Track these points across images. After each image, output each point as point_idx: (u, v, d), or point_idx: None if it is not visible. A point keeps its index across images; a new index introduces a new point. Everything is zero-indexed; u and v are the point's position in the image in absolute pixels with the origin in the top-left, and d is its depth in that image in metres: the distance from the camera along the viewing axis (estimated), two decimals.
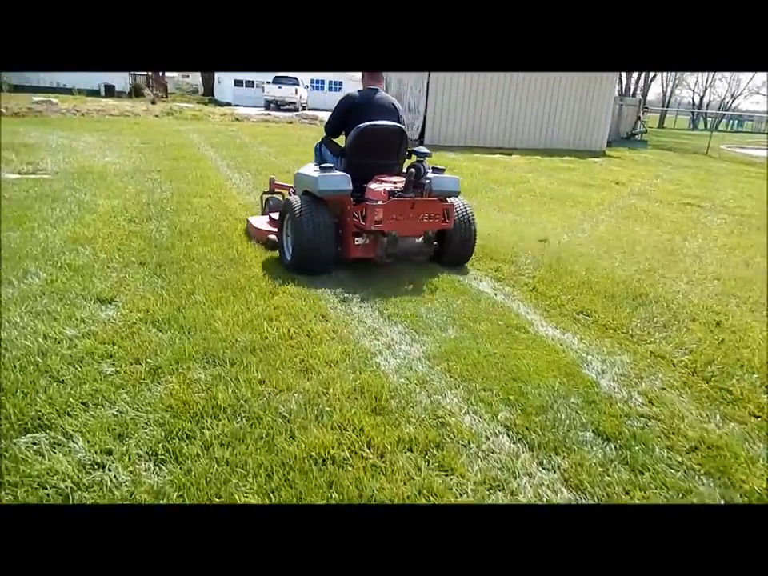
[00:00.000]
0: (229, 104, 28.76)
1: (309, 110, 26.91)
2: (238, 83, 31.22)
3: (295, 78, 27.93)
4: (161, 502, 1.76)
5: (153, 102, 22.52)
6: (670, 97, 52.49)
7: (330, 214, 3.88)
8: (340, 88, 32.13)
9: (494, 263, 4.47)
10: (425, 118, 14.64)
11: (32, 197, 5.66)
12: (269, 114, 21.32)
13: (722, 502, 1.94)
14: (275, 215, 4.43)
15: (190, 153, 9.78)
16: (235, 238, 4.59)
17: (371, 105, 4.21)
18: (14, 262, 3.68)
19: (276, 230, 4.25)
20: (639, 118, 20.54)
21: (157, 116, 17.35)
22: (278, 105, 26.75)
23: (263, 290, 3.49)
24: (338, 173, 3.91)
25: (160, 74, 36.62)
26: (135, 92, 27.24)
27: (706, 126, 53.15)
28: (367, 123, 4.02)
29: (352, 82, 34.26)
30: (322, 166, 3.96)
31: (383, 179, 4.04)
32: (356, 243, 3.96)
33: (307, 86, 30.43)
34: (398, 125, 4.19)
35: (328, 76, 32.07)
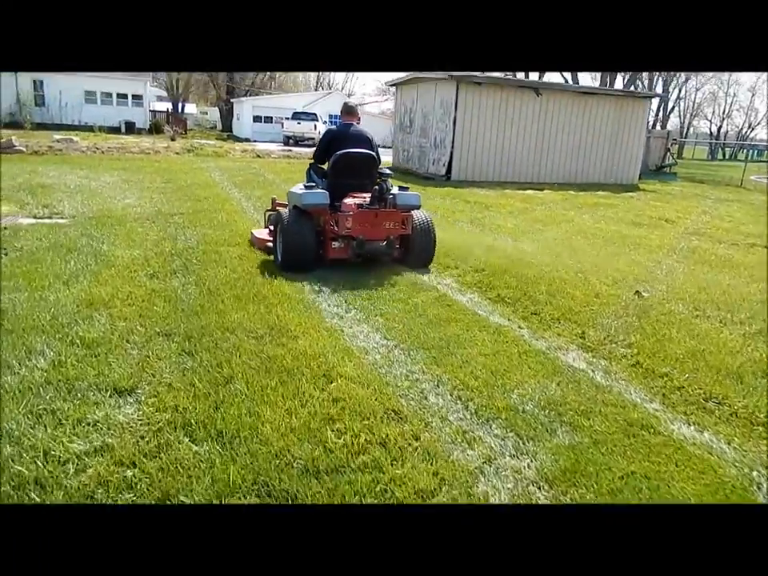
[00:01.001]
0: (248, 139, 28.77)
1: None
2: (256, 119, 31.32)
3: (314, 114, 27.92)
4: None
5: (172, 139, 22.46)
6: (688, 128, 52.09)
7: (313, 223, 4.76)
8: (358, 123, 32.04)
9: (576, 327, 3.80)
10: (451, 152, 14.17)
11: (45, 247, 5.13)
12: (290, 150, 21.08)
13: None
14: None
15: (213, 193, 9.31)
16: (273, 298, 3.97)
17: (347, 136, 5.12)
18: (17, 336, 3.09)
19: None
20: (668, 149, 19.98)
21: (177, 153, 17.12)
22: (297, 140, 26.65)
23: (315, 372, 2.85)
24: (319, 190, 4.83)
25: (179, 110, 37.14)
26: (155, 129, 27.37)
27: (724, 156, 52.58)
28: (343, 151, 4.95)
29: (370, 117, 34.34)
30: (306, 185, 4.94)
31: (356, 195, 4.93)
32: (333, 246, 4.83)
33: (326, 122, 30.41)
34: (369, 152, 5.07)
35: None
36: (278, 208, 5.51)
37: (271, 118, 31.12)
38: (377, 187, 4.85)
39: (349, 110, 5.44)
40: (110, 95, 28.15)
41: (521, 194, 12.25)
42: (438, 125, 14.65)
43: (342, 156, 4.93)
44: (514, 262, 5.43)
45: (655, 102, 37.74)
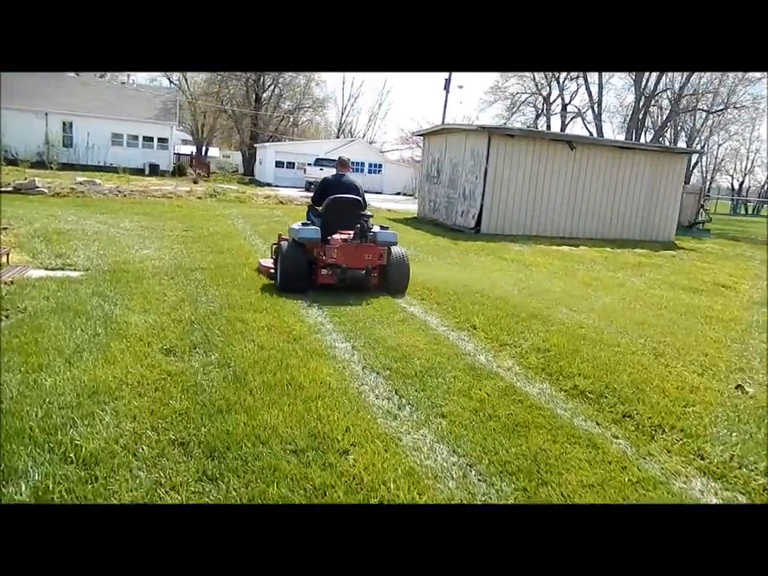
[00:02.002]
0: (269, 184, 28.77)
1: None
2: (279, 164, 31.45)
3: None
4: None
5: (195, 182, 22.40)
6: (710, 182, 51.59)
7: (306, 254, 5.79)
8: (380, 170, 32.11)
9: (687, 439, 3.06)
10: (482, 205, 13.67)
11: (51, 309, 4.54)
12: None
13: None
14: None
15: (237, 244, 8.80)
16: (310, 388, 3.30)
17: (339, 184, 6.20)
18: None
19: None
20: (702, 206, 19.39)
21: (199, 198, 16.85)
22: None
23: None
24: (312, 227, 5.92)
25: (203, 153, 37.63)
26: (179, 171, 27.49)
27: (746, 211, 51.92)
28: (334, 196, 5.98)
29: (391, 164, 34.41)
30: (303, 222, 6.08)
31: (343, 232, 5.87)
32: (322, 273, 5.79)
33: None
34: (356, 197, 6.10)
35: (368, 159, 32.12)
36: (281, 242, 6.21)
37: (293, 163, 31.22)
38: (358, 225, 5.75)
39: (342, 163, 6.52)
40: (136, 138, 28.46)
41: (556, 250, 11.63)
42: (468, 176, 14.22)
43: (333, 200, 5.96)
44: (579, 339, 4.74)
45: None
